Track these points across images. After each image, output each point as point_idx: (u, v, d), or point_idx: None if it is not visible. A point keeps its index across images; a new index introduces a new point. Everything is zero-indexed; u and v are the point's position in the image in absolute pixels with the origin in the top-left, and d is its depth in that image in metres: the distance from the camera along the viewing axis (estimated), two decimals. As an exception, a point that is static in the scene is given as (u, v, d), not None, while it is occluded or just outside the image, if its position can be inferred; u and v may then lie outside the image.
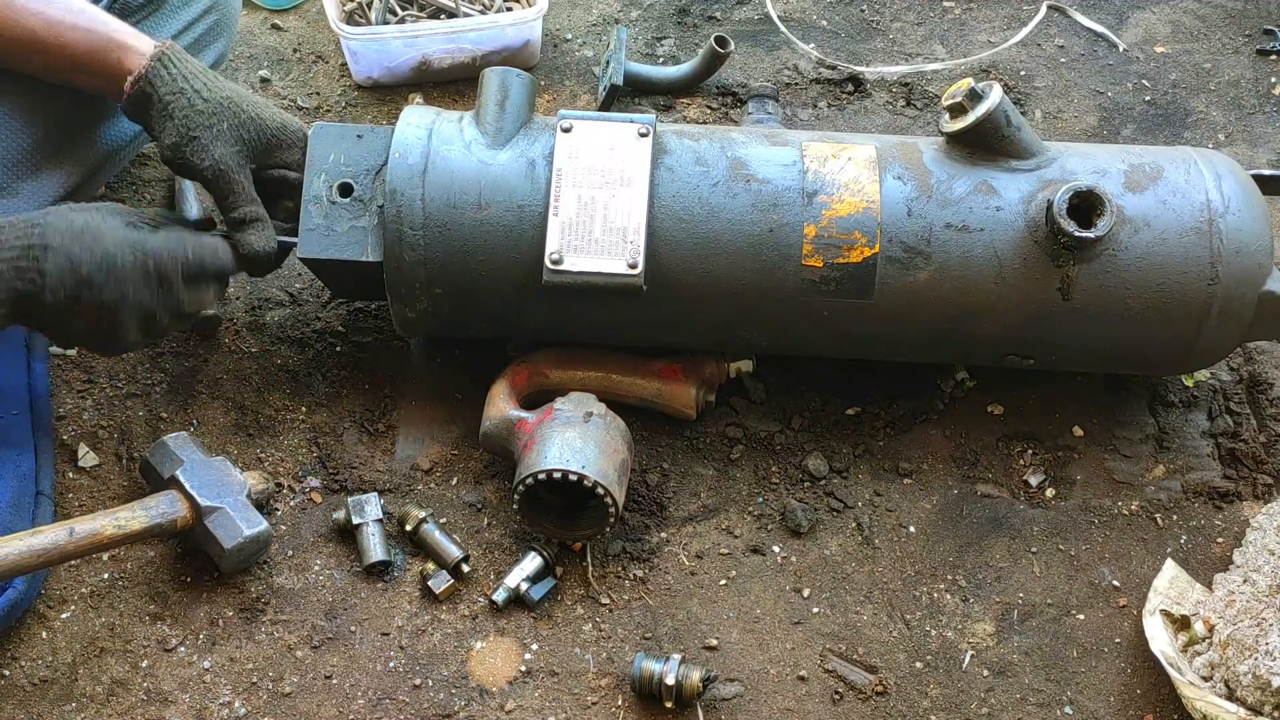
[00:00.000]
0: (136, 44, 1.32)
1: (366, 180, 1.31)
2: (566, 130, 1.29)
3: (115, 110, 1.43)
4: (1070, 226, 1.22)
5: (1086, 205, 1.24)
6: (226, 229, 1.32)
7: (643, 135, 1.29)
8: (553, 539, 1.28)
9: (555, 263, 1.25)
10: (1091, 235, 1.23)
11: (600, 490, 1.21)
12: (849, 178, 1.28)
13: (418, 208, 1.26)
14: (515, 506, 1.24)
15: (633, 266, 1.26)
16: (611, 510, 1.23)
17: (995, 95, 1.26)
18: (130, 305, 1.21)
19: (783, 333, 1.33)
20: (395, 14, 1.85)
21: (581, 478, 1.20)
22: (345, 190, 1.31)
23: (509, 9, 1.89)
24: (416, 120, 1.32)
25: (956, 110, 1.29)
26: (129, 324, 1.22)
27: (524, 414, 1.31)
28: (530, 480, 1.21)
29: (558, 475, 1.20)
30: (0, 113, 1.34)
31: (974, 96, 1.28)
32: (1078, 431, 1.44)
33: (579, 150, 1.28)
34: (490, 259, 1.27)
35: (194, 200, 1.60)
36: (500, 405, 1.33)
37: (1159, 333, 1.29)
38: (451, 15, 1.86)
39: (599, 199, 1.26)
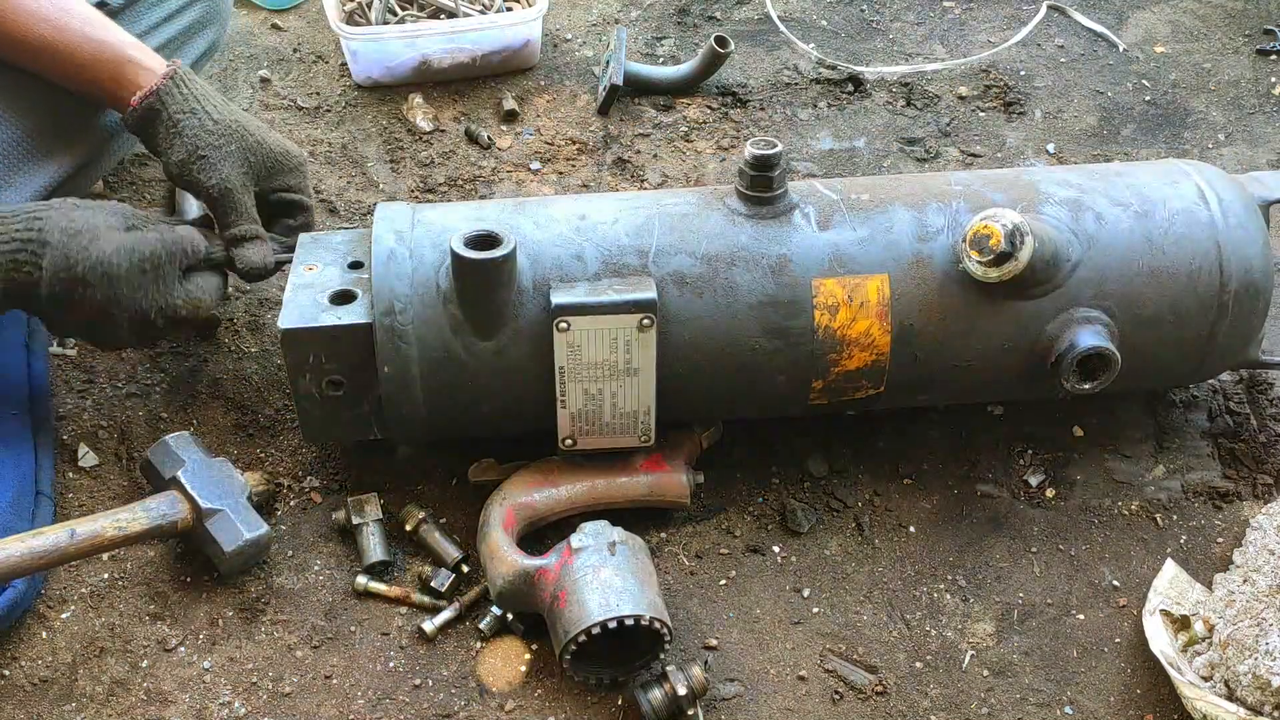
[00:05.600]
0: (148, 60, 1.36)
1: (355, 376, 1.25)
2: (563, 330, 1.20)
3: None
4: (1074, 382, 1.25)
5: (1095, 358, 1.24)
6: (225, 244, 1.35)
7: (645, 327, 1.20)
8: (604, 679, 1.21)
9: (568, 445, 1.27)
10: (1089, 388, 1.25)
11: (657, 625, 1.15)
12: (859, 332, 1.25)
13: (418, 401, 1.24)
14: (565, 668, 1.17)
15: (645, 439, 1.27)
16: (666, 637, 1.17)
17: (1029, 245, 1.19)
18: (123, 306, 1.23)
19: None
20: (395, 14, 1.85)
21: (637, 619, 1.13)
22: (336, 386, 1.25)
23: (509, 9, 1.89)
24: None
25: (1002, 258, 1.19)
26: (122, 322, 1.25)
27: (539, 561, 1.20)
28: (582, 638, 1.13)
29: (612, 624, 1.12)
30: None
31: (1013, 239, 1.18)
32: (1078, 431, 1.44)
33: (579, 346, 1.21)
34: (497, 425, 1.29)
35: (194, 202, 1.61)
36: (507, 558, 1.21)
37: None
38: (451, 15, 1.86)
39: (605, 391, 1.23)
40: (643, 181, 1.75)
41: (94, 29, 1.34)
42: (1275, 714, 1.12)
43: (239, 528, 1.23)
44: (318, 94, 1.87)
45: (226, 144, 1.34)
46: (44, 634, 1.23)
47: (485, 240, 1.19)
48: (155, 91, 1.33)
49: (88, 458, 1.37)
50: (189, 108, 1.33)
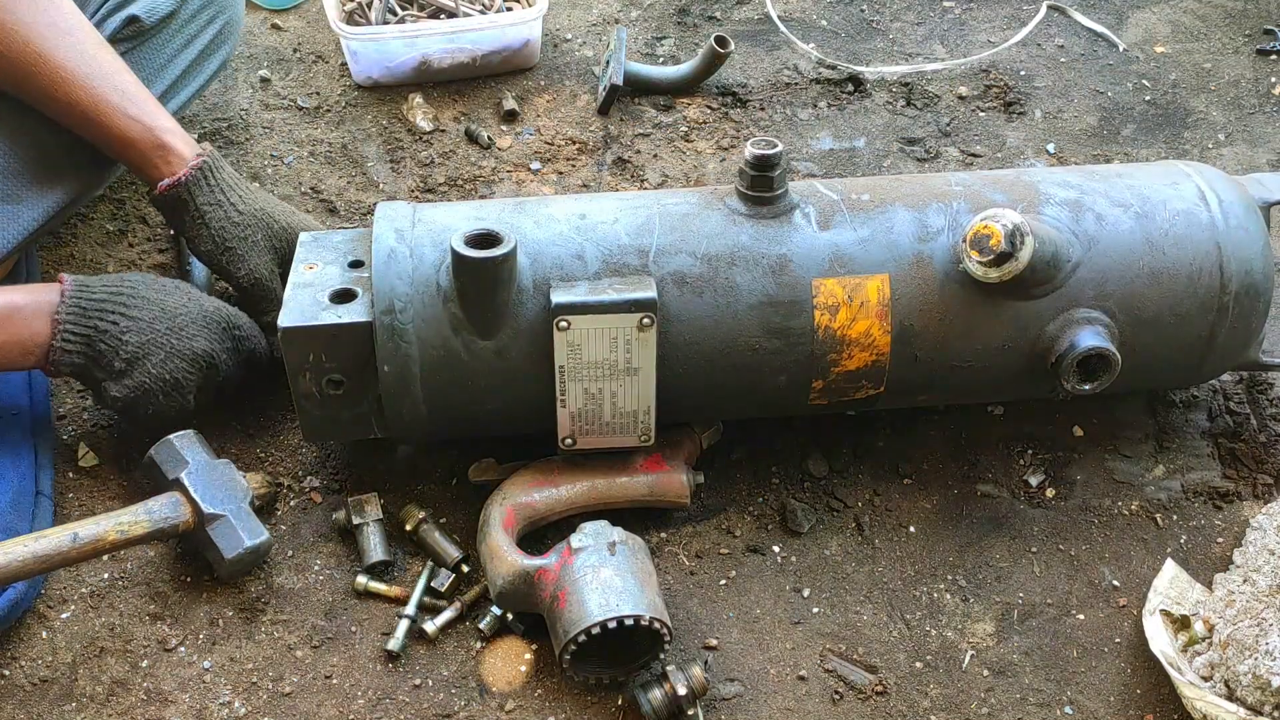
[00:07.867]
0: (180, 146, 1.36)
1: (356, 374, 1.25)
2: (563, 329, 1.19)
3: None
4: (1074, 383, 1.25)
5: (1095, 359, 1.24)
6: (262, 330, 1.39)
7: (645, 326, 1.20)
8: (604, 679, 1.21)
9: (568, 444, 1.26)
10: (1089, 389, 1.25)
11: (657, 625, 1.15)
12: (859, 332, 1.24)
13: (418, 400, 1.24)
14: (565, 667, 1.17)
15: (645, 438, 1.27)
16: (666, 637, 1.17)
17: (1029, 246, 1.19)
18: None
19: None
20: (395, 14, 1.85)
21: (637, 619, 1.13)
22: (336, 385, 1.25)
23: (509, 9, 1.89)
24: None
25: (1003, 258, 1.19)
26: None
27: (539, 561, 1.19)
28: (582, 638, 1.13)
29: (612, 625, 1.12)
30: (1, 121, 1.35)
31: (1014, 239, 1.18)
32: (1078, 431, 1.44)
33: (579, 346, 1.21)
34: (497, 424, 1.29)
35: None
36: (508, 557, 1.21)
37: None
38: (451, 15, 1.86)
39: (605, 390, 1.23)
40: (643, 181, 1.75)
41: (129, 103, 1.34)
42: (1275, 714, 1.12)
43: (240, 535, 1.23)
44: (318, 94, 1.87)
45: (253, 234, 1.37)
46: (44, 634, 1.23)
47: (485, 239, 1.19)
48: (183, 183, 1.35)
49: (88, 458, 1.37)
50: (215, 199, 1.36)
